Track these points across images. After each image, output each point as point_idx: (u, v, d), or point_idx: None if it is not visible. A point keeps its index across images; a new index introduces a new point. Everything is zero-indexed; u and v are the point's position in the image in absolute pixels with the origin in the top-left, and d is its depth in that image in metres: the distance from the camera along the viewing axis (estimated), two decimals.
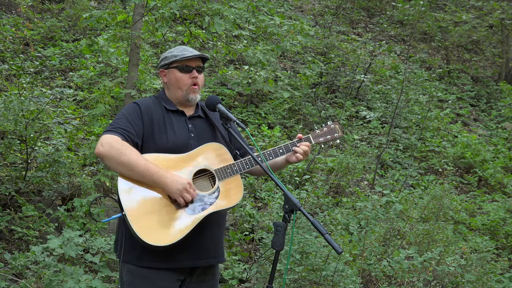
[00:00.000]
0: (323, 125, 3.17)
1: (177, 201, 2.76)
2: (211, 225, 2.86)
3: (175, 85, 2.97)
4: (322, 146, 3.15)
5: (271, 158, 2.98)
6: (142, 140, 2.85)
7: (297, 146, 3.02)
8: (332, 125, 3.15)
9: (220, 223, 2.96)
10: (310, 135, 3.11)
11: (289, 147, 3.01)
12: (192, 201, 2.77)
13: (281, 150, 3.00)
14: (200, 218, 2.75)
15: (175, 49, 3.01)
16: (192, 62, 2.97)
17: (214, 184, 2.85)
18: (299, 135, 3.09)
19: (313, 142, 3.09)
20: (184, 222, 2.73)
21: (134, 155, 2.71)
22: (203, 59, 3.03)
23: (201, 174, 2.86)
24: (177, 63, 2.95)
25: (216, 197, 2.82)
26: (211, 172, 2.86)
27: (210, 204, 2.79)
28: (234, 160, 2.92)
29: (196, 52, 2.97)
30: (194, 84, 2.96)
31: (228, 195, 2.84)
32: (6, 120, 5.96)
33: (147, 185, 2.75)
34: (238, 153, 3.02)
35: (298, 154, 3.00)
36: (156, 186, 2.74)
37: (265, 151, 2.98)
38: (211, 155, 2.89)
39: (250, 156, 2.90)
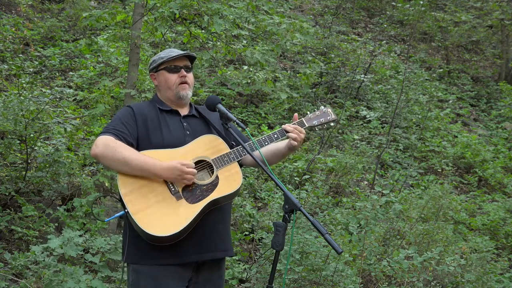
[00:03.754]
0: (316, 109, 3.18)
1: (178, 192, 2.77)
2: (215, 218, 2.87)
3: (165, 86, 3.01)
4: (317, 129, 3.15)
5: (266, 143, 2.99)
6: (137, 141, 2.87)
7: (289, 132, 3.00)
8: (324, 109, 3.17)
9: (224, 216, 2.97)
10: (303, 118, 3.11)
11: (282, 131, 3.00)
12: (195, 185, 2.78)
13: (275, 135, 3.01)
14: (202, 206, 2.76)
15: (162, 52, 3.07)
16: (179, 62, 3.00)
17: (213, 174, 2.87)
18: (295, 114, 3.09)
19: (306, 125, 3.08)
20: (186, 211, 2.75)
21: (128, 150, 2.76)
22: (191, 59, 3.07)
23: (199, 165, 2.88)
24: (165, 64, 2.99)
25: (216, 185, 2.84)
26: (209, 162, 2.88)
27: (210, 192, 2.81)
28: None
29: (182, 52, 3.01)
30: (183, 82, 2.99)
31: (228, 182, 2.86)
32: (6, 120, 5.96)
33: (146, 179, 2.77)
34: (235, 144, 3.02)
35: (290, 134, 2.96)
36: (155, 178, 2.77)
37: (259, 137, 3.00)
38: (207, 146, 2.91)
39: (246, 143, 2.93)
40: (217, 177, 2.85)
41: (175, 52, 3.01)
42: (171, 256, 2.78)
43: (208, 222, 2.83)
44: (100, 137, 2.79)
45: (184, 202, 2.77)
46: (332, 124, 3.17)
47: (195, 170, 2.78)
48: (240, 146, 2.91)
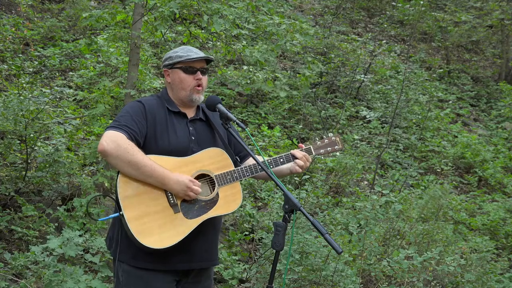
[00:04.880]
0: (324, 136, 3.19)
1: (177, 204, 2.76)
2: (207, 229, 2.86)
3: (178, 86, 2.94)
4: (322, 158, 3.19)
5: (271, 166, 2.99)
6: (144, 140, 2.83)
7: (297, 158, 3.02)
8: (333, 137, 3.18)
9: (216, 227, 2.96)
10: (311, 146, 3.13)
11: (289, 156, 3.02)
12: (194, 200, 2.77)
13: (281, 160, 3.01)
14: (197, 223, 2.76)
15: (180, 49, 2.99)
16: (197, 64, 2.95)
17: (214, 189, 2.85)
18: (300, 144, 3.12)
19: (314, 154, 3.12)
20: (181, 226, 2.73)
21: (140, 155, 2.70)
22: (207, 61, 3.01)
23: (201, 178, 2.85)
24: (182, 64, 2.93)
25: (215, 203, 2.82)
26: (211, 177, 2.86)
27: (208, 210, 2.80)
28: (235, 167, 2.92)
29: (201, 54, 2.95)
30: (198, 85, 2.94)
31: (227, 201, 2.84)
32: (6, 120, 5.96)
33: (148, 186, 2.74)
34: (238, 159, 3.01)
35: (298, 160, 3.00)
36: (161, 187, 2.74)
37: (266, 159, 2.96)
38: (212, 160, 2.88)
39: (251, 164, 2.91)
40: (217, 194, 2.84)
41: (194, 53, 2.94)
42: (160, 261, 2.78)
43: (200, 233, 2.82)
44: (111, 133, 2.70)
45: (180, 216, 2.75)
46: (338, 153, 3.20)
47: (200, 189, 2.76)
48: (245, 166, 2.91)
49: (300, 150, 3.06)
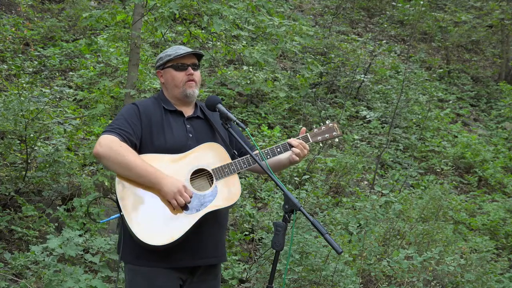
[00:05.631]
0: (321, 124, 3.17)
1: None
2: (211, 225, 2.86)
3: (171, 84, 2.97)
4: (321, 145, 3.16)
5: (268, 157, 2.99)
6: (140, 140, 2.85)
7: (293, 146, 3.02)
8: (330, 124, 3.16)
9: (220, 222, 2.95)
10: (308, 134, 3.11)
11: (286, 145, 3.02)
12: (186, 206, 2.76)
13: (278, 149, 3.01)
14: (198, 218, 2.76)
15: (169, 49, 3.03)
16: (187, 60, 2.97)
17: (212, 183, 2.85)
18: (303, 129, 3.10)
19: (311, 141, 3.09)
20: (182, 222, 2.73)
21: (132, 156, 2.73)
22: (198, 56, 3.04)
23: (199, 173, 2.86)
24: (172, 62, 2.96)
25: (214, 197, 2.82)
26: (209, 171, 2.87)
27: (208, 204, 2.80)
28: (232, 160, 2.92)
29: (189, 49, 2.98)
30: (191, 80, 2.96)
31: (226, 194, 2.84)
32: (6, 120, 5.96)
33: (145, 186, 2.75)
34: (237, 153, 3.01)
35: (294, 148, 2.99)
36: (152, 187, 2.75)
37: (263, 150, 2.98)
38: (209, 154, 2.89)
39: (247, 155, 2.90)
40: (216, 188, 2.84)
41: (182, 49, 2.97)
42: (165, 259, 2.78)
43: (203, 229, 2.82)
44: (105, 137, 2.75)
45: (180, 212, 2.75)
46: (336, 140, 3.18)
47: (189, 199, 2.75)
48: (241, 158, 2.90)
49: (297, 138, 3.05)
